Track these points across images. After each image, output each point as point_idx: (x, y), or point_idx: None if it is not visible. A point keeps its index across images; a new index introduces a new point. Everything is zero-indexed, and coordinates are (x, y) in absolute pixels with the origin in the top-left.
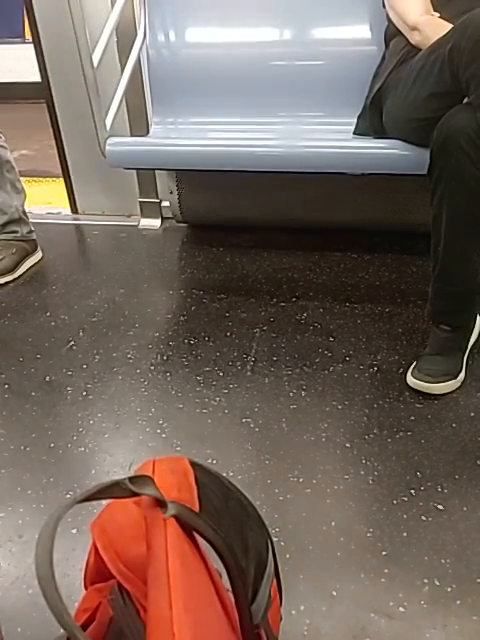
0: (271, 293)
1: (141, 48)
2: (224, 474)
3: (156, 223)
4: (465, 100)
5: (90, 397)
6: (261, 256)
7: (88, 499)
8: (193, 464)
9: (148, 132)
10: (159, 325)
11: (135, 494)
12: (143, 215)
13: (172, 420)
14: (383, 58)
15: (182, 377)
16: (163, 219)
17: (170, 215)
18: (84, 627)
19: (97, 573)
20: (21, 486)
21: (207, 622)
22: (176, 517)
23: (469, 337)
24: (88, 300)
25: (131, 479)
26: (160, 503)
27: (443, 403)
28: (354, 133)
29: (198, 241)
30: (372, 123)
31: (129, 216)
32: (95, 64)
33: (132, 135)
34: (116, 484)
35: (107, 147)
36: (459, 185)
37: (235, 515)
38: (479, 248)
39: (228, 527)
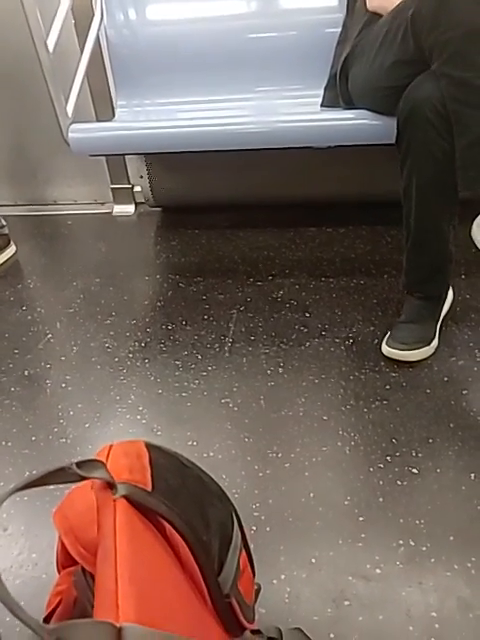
0: (247, 273)
1: (99, 28)
2: (205, 454)
3: (130, 209)
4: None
5: (69, 388)
6: (236, 236)
7: (33, 485)
8: (148, 446)
9: (114, 116)
10: (136, 312)
11: (83, 478)
12: (116, 201)
13: (152, 406)
14: (344, 25)
15: (160, 363)
16: (137, 204)
17: (143, 200)
18: (56, 609)
19: (66, 557)
20: (4, 480)
21: (160, 593)
22: (126, 497)
23: (442, 305)
24: (64, 291)
25: (79, 463)
26: (110, 485)
27: (417, 370)
28: (321, 105)
29: (173, 224)
30: (341, 93)
31: (102, 203)
32: (51, 48)
33: (98, 120)
34: (62, 469)
35: (70, 134)
36: (426, 156)
37: (194, 492)
38: (450, 218)
39: (185, 504)
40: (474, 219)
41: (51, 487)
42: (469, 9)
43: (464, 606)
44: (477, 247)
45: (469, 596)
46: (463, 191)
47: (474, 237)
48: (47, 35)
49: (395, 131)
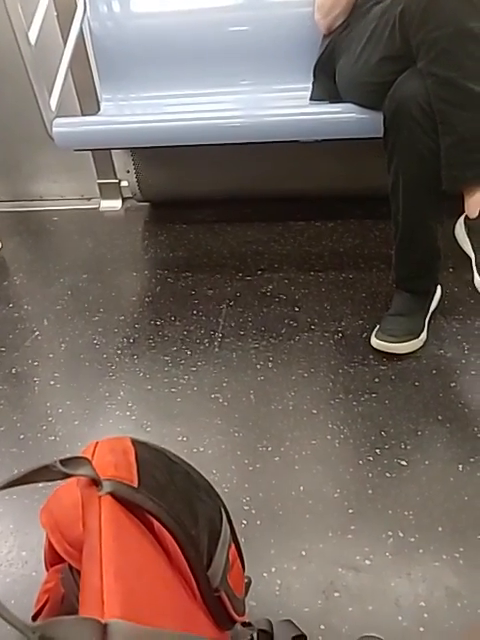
0: (236, 267)
1: (83, 21)
2: (194, 450)
3: (117, 204)
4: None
5: (58, 386)
6: (225, 230)
7: (17, 483)
8: (135, 442)
9: (99, 110)
10: (124, 308)
11: (67, 475)
12: (103, 197)
13: (141, 402)
14: None
15: (149, 358)
16: (124, 199)
17: (131, 195)
18: (44, 607)
19: (54, 555)
20: None
21: (147, 589)
22: (112, 494)
23: (431, 299)
24: (51, 288)
25: (64, 461)
26: (95, 482)
27: (406, 363)
28: (311, 99)
29: (160, 219)
30: (326, 87)
31: (89, 199)
32: (33, 41)
33: (83, 114)
34: (46, 467)
35: (54, 129)
36: (412, 154)
37: (182, 488)
38: (437, 215)
39: (173, 499)
40: (457, 219)
41: (40, 485)
42: (458, 8)
43: (452, 595)
44: (460, 246)
45: (457, 585)
46: (447, 189)
47: (457, 236)
48: (29, 28)
49: (382, 124)
